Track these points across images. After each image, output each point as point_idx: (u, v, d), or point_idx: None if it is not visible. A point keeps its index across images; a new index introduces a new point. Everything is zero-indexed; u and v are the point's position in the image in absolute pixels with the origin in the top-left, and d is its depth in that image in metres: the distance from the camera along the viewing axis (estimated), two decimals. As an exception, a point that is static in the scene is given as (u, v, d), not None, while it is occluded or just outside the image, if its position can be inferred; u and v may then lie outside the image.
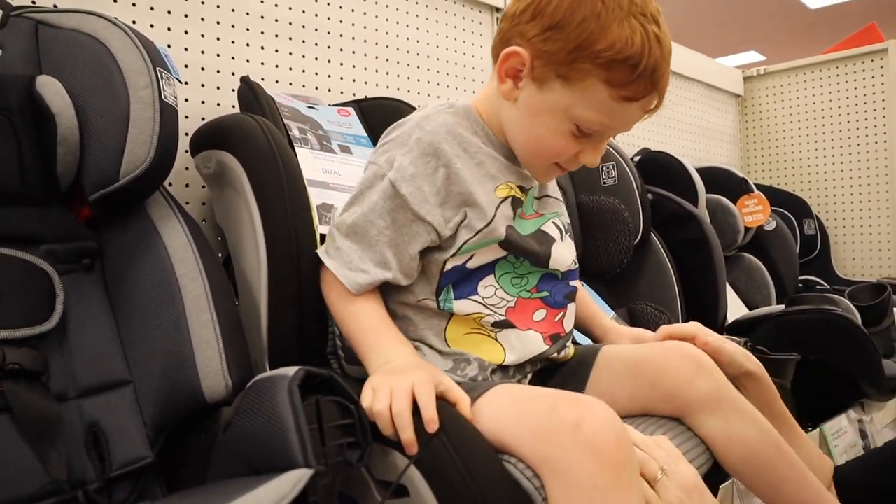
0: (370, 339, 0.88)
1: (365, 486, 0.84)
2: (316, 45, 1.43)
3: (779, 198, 2.57)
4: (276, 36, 1.36)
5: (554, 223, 0.99)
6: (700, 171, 2.21)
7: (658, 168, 1.96)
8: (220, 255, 1.13)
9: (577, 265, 1.02)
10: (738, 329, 1.73)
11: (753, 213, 2.11)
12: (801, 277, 2.40)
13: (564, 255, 0.98)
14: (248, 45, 1.32)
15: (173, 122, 0.96)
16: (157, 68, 0.96)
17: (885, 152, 2.65)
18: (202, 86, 1.26)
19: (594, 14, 0.80)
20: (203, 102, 1.26)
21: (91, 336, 0.93)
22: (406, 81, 1.64)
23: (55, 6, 1.10)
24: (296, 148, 1.18)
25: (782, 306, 1.72)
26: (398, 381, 0.77)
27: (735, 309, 1.94)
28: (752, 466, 0.94)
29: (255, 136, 0.96)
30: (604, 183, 1.71)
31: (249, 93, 1.13)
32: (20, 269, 0.91)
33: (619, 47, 0.79)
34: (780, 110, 2.89)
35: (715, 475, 0.97)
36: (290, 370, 0.76)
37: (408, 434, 0.73)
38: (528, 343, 0.94)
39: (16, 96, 0.92)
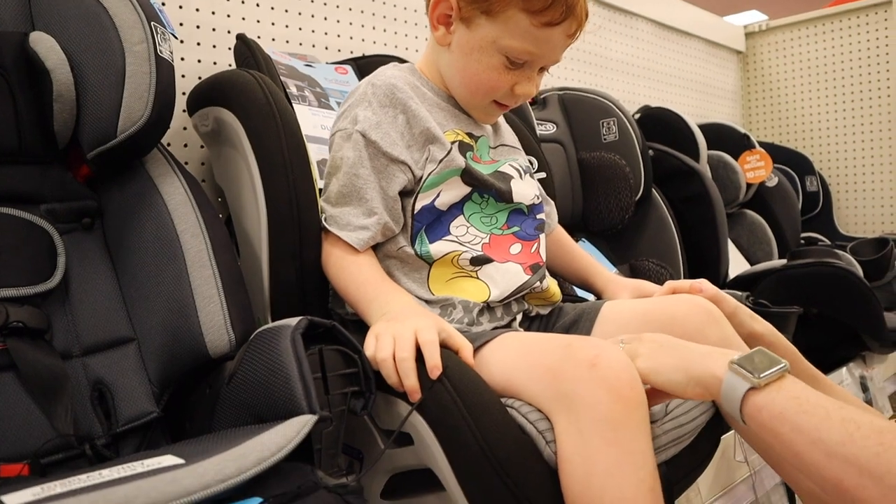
0: (370, 292, 0.89)
1: (370, 437, 0.85)
2: (312, 1, 1.41)
3: (781, 154, 2.55)
4: None
5: (511, 165, 1.04)
6: (702, 127, 2.20)
7: (659, 124, 1.95)
8: (220, 215, 1.13)
9: (541, 200, 1.06)
10: (740, 284, 1.73)
11: (755, 169, 2.10)
12: (803, 234, 2.40)
13: (526, 189, 1.02)
14: (243, 2, 1.31)
15: (170, 77, 0.95)
16: (152, 23, 0.94)
17: (889, 107, 2.62)
18: (198, 44, 1.24)
19: None
20: (199, 61, 1.25)
21: (93, 294, 0.93)
22: (404, 39, 1.62)
23: (46, -37, 1.07)
24: (294, 105, 1.17)
25: (784, 261, 1.72)
26: (401, 327, 0.77)
27: (737, 265, 1.94)
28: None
29: (251, 91, 0.95)
30: (604, 139, 1.70)
31: (246, 50, 1.12)
32: (21, 228, 0.91)
33: None
34: (783, 66, 2.86)
35: (718, 425, 0.97)
36: (293, 320, 0.76)
37: (411, 381, 0.73)
38: (509, 274, 0.95)
39: (9, 53, 0.91)
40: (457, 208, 0.96)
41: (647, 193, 1.69)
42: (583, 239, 1.68)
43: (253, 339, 0.79)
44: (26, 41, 0.91)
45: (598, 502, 0.67)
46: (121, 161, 0.96)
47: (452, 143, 0.96)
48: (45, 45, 0.91)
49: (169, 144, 1.17)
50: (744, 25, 2.92)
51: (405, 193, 0.95)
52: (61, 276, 0.91)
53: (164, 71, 0.94)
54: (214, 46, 1.24)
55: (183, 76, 1.20)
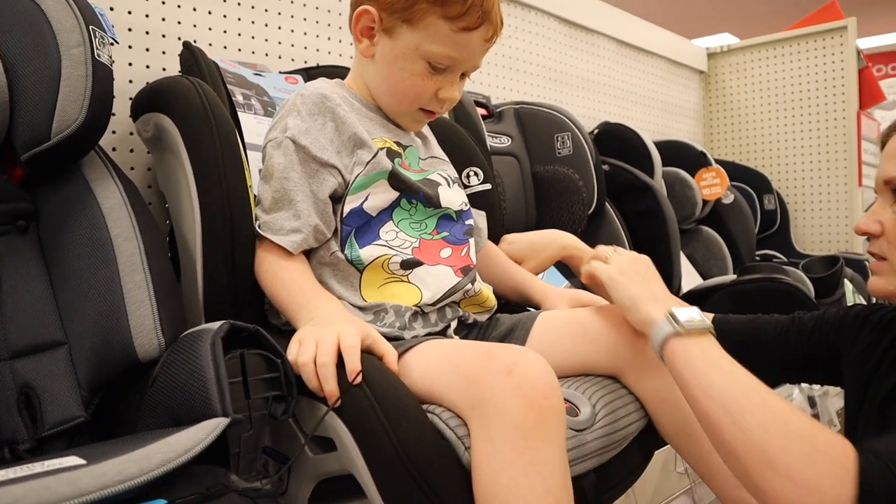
0: (300, 297, 0.90)
1: (295, 442, 0.84)
2: (266, 10, 1.42)
3: (740, 173, 2.60)
4: (225, 0, 1.35)
5: (439, 174, 1.07)
6: (659, 144, 2.23)
7: (616, 140, 1.98)
8: (167, 221, 1.13)
9: (468, 207, 1.08)
10: (691, 298, 1.75)
11: (711, 186, 2.13)
12: (759, 252, 2.44)
13: (453, 196, 1.05)
14: (194, 9, 1.31)
15: (107, 81, 0.95)
16: (91, 27, 0.94)
17: (844, 128, 2.68)
18: (147, 50, 1.24)
19: None
20: (148, 67, 1.25)
21: (25, 297, 0.92)
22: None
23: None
24: (239, 113, 1.17)
25: (734, 276, 1.74)
26: (324, 332, 0.78)
27: (691, 279, 1.97)
28: (683, 432, 0.95)
29: (188, 97, 0.95)
30: (559, 153, 1.72)
31: (190, 57, 1.13)
32: (-49, 230, 0.90)
33: None
34: (743, 87, 2.91)
35: (651, 436, 0.98)
36: (216, 324, 0.76)
37: (331, 385, 0.74)
38: (440, 277, 0.97)
39: (-53, 58, 0.90)
40: (386, 214, 0.98)
41: (601, 207, 1.71)
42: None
43: (176, 343, 0.79)
44: (-40, 44, 0.90)
45: None
46: (56, 164, 0.95)
47: (380, 148, 0.98)
48: (-22, 47, 0.90)
49: (114, 149, 1.17)
50: (706, 47, 2.98)
51: (336, 199, 0.96)
52: (-10, 279, 0.90)
53: (101, 75, 0.94)
54: (164, 53, 1.24)
55: (130, 81, 1.20)
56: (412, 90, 0.97)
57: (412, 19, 0.92)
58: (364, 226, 0.97)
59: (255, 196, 0.97)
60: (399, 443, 0.70)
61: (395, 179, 0.98)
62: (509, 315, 1.05)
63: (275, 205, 0.94)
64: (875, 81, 2.69)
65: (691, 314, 0.84)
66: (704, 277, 2.09)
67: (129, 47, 1.21)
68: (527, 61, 2.13)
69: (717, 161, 2.49)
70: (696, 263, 2.13)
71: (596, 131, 2.05)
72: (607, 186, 1.81)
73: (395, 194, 0.98)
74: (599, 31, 2.38)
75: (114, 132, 1.18)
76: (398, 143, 1.03)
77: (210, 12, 1.33)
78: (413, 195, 0.99)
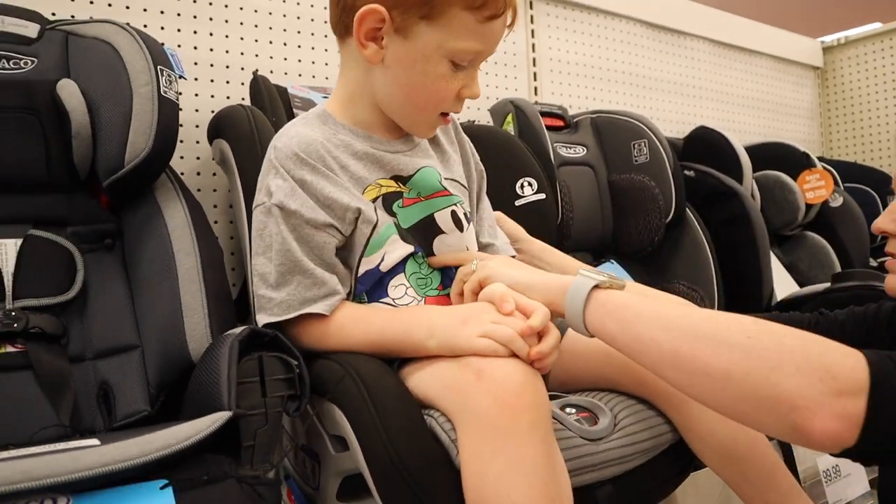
0: (396, 326, 0.86)
1: (322, 440, 0.91)
2: (326, 36, 1.52)
3: (859, 173, 2.42)
4: (285, 30, 1.46)
5: (453, 212, 0.98)
6: (757, 147, 2.14)
7: (704, 145, 1.92)
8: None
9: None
10: (783, 308, 1.67)
11: (815, 188, 2.01)
12: (880, 259, 2.26)
13: (454, 243, 0.97)
14: (271, 42, 1.43)
15: (172, 115, 1.07)
16: (159, 66, 1.07)
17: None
18: (211, 81, 1.38)
19: None
20: (213, 96, 1.37)
21: (107, 306, 1.06)
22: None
23: (91, 18, 1.23)
24: (301, 135, 1.27)
25: (828, 284, 1.64)
26: (483, 325, 0.78)
27: (787, 288, 1.87)
28: (724, 457, 0.92)
29: (240, 123, 1.06)
30: (636, 161, 1.70)
31: (256, 85, 1.24)
32: (47, 248, 1.05)
33: None
34: (864, 80, 2.71)
35: (683, 452, 0.95)
36: (238, 330, 0.85)
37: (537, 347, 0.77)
38: None
39: (42, 98, 1.06)
40: (399, 266, 0.94)
41: (680, 215, 1.68)
42: (611, 260, 1.68)
43: (209, 346, 0.88)
44: (54, 88, 1.05)
45: None
46: (132, 188, 1.09)
47: (374, 200, 0.92)
48: (67, 90, 1.05)
49: (182, 174, 1.30)
50: (821, 40, 2.80)
51: (344, 250, 0.92)
52: (78, 290, 1.04)
53: (167, 109, 1.06)
54: (228, 82, 1.37)
55: (197, 111, 1.32)
56: (436, 95, 0.88)
57: (432, 14, 0.83)
58: (377, 283, 0.93)
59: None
60: (390, 443, 0.74)
61: (403, 232, 0.93)
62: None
63: (283, 278, 0.88)
64: None
65: (604, 273, 0.79)
66: (809, 285, 1.97)
67: (196, 80, 1.34)
68: (611, 69, 2.12)
69: (834, 162, 2.35)
70: (800, 272, 2.02)
71: (685, 137, 2.00)
72: (692, 193, 1.77)
73: (410, 248, 0.93)
74: (691, 32, 2.32)
75: (182, 157, 1.32)
76: (397, 178, 0.95)
77: (285, 43, 1.45)
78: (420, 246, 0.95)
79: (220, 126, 1.11)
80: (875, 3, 6.32)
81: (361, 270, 0.92)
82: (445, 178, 1.00)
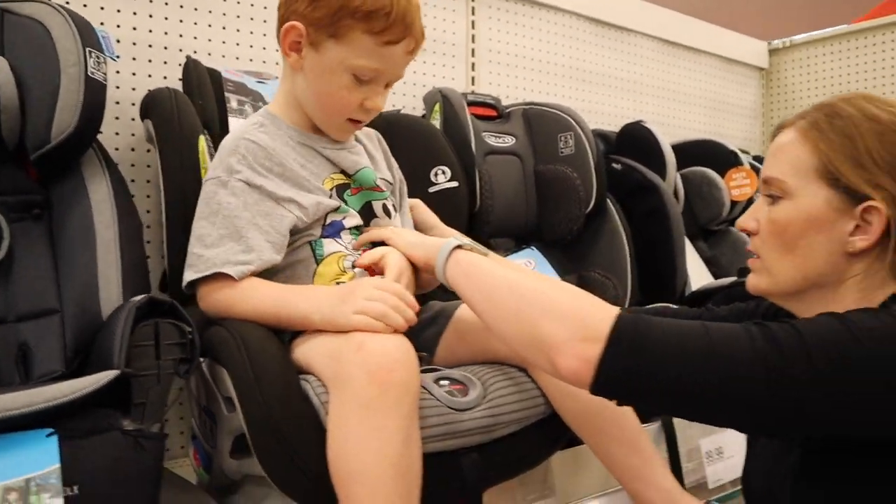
0: (289, 300, 0.96)
1: (217, 401, 1.00)
2: (265, 22, 1.59)
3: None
4: (224, 14, 1.53)
5: (384, 204, 1.14)
6: (690, 144, 2.23)
7: (633, 140, 2.00)
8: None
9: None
10: (694, 299, 1.77)
11: (741, 186, 2.11)
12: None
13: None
14: (210, 25, 1.50)
15: (98, 95, 1.14)
16: (88, 48, 1.13)
17: (911, 127, 2.53)
18: (149, 61, 1.44)
19: None
20: (150, 76, 1.44)
21: (31, 273, 1.13)
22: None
23: (31, -4, 1.28)
24: (230, 118, 1.34)
25: (735, 278, 1.75)
26: (357, 302, 0.89)
27: (704, 280, 1.97)
28: (585, 423, 1.03)
29: (163, 105, 1.13)
30: (561, 153, 1.78)
31: (187, 68, 1.31)
32: (-26, 216, 1.12)
33: (369, 2, 0.95)
34: (807, 83, 2.81)
35: (552, 431, 1.04)
36: (139, 298, 0.93)
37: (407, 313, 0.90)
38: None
39: (-28, 74, 1.12)
40: (353, 231, 1.09)
41: (600, 206, 1.76)
42: (531, 247, 1.77)
43: (112, 312, 0.96)
44: (-16, 64, 1.12)
45: (345, 471, 0.79)
46: (60, 162, 1.15)
47: (331, 189, 1.07)
48: (-3, 67, 1.11)
49: (117, 149, 1.37)
50: (768, 42, 2.89)
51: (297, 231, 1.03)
52: (3, 256, 1.11)
53: (93, 89, 1.13)
54: (165, 63, 1.44)
55: (134, 89, 1.39)
56: (339, 102, 1.02)
57: (338, 34, 0.97)
58: (336, 232, 1.07)
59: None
60: (263, 401, 0.83)
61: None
62: (439, 302, 1.15)
63: (220, 241, 0.99)
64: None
65: (472, 242, 0.96)
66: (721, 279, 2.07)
67: (133, 59, 1.41)
68: (552, 62, 2.19)
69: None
70: (721, 266, 2.12)
71: (618, 132, 2.09)
72: (618, 186, 1.86)
73: (360, 221, 1.09)
74: (636, 29, 2.39)
75: (117, 133, 1.39)
76: (344, 174, 1.10)
77: (224, 27, 1.52)
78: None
79: (147, 107, 1.18)
80: (822, 10, 6.44)
81: (329, 220, 1.06)
82: (379, 178, 1.16)
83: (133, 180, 1.37)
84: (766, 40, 2.91)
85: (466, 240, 0.97)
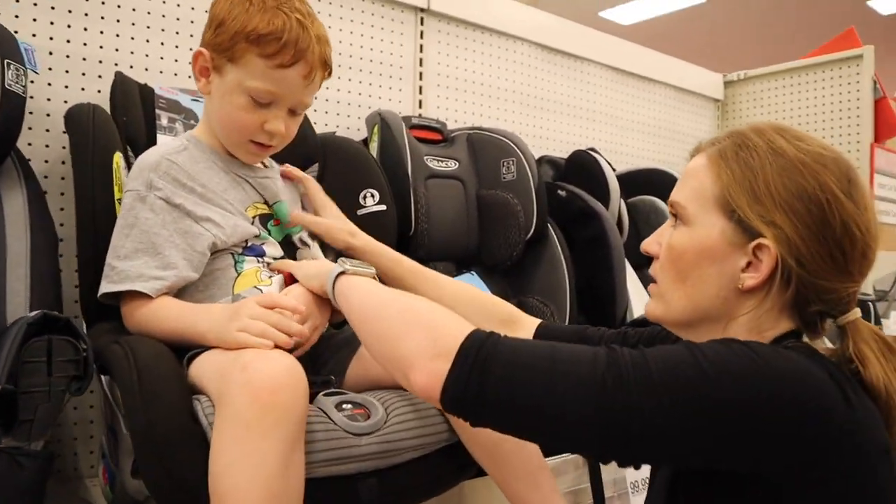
0: (187, 320, 0.98)
1: (118, 419, 0.99)
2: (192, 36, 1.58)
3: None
4: (163, 30, 1.53)
5: (300, 237, 1.21)
6: (637, 172, 2.26)
7: (579, 167, 2.02)
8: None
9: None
10: (636, 325, 1.78)
11: (686, 215, 2.13)
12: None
13: (307, 258, 1.19)
14: (148, 40, 1.50)
15: (16, 107, 1.14)
16: (6, 60, 1.14)
17: (857, 160, 2.59)
18: (83, 74, 1.44)
19: (244, 9, 1.03)
20: (83, 89, 1.44)
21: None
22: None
23: (-39, 6, 1.28)
24: (158, 134, 1.34)
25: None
26: (241, 317, 0.92)
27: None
28: (486, 453, 1.03)
29: (80, 120, 1.13)
30: (503, 178, 1.80)
31: (115, 83, 1.31)
32: None
33: (262, 27, 1.01)
34: (759, 115, 2.86)
35: (454, 460, 1.04)
36: (35, 313, 0.92)
37: (293, 328, 0.94)
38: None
39: None
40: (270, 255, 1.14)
41: (541, 233, 1.77)
42: (472, 272, 1.78)
43: (6, 327, 0.95)
44: None
45: (219, 491, 0.78)
46: (-25, 174, 1.15)
47: (254, 217, 1.12)
48: (-87, 77, 1.11)
49: (46, 161, 1.37)
50: (723, 74, 2.95)
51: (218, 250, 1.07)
52: (-87, 266, 1.10)
53: (11, 102, 1.13)
54: (100, 77, 1.43)
55: (66, 102, 1.38)
56: (238, 122, 1.06)
57: (234, 58, 1.03)
58: (255, 254, 1.12)
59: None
60: (147, 419, 0.82)
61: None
62: (346, 328, 1.15)
63: (135, 253, 1.01)
64: (892, 113, 2.58)
65: (358, 265, 1.00)
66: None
67: (66, 71, 1.40)
68: (501, 87, 2.21)
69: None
70: (666, 291, 2.13)
71: (566, 159, 2.11)
72: (562, 212, 1.87)
73: (280, 252, 1.14)
74: (589, 58, 2.43)
75: (47, 146, 1.38)
76: (266, 203, 1.15)
77: (163, 43, 1.52)
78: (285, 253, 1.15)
79: (67, 121, 1.18)
80: (776, 46, 6.60)
81: (249, 243, 1.11)
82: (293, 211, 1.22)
83: (63, 193, 1.36)
84: (721, 73, 2.97)
85: (349, 263, 0.99)
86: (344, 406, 0.99)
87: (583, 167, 2.02)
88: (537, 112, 2.32)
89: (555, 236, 1.80)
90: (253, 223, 1.11)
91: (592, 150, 2.14)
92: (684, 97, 2.80)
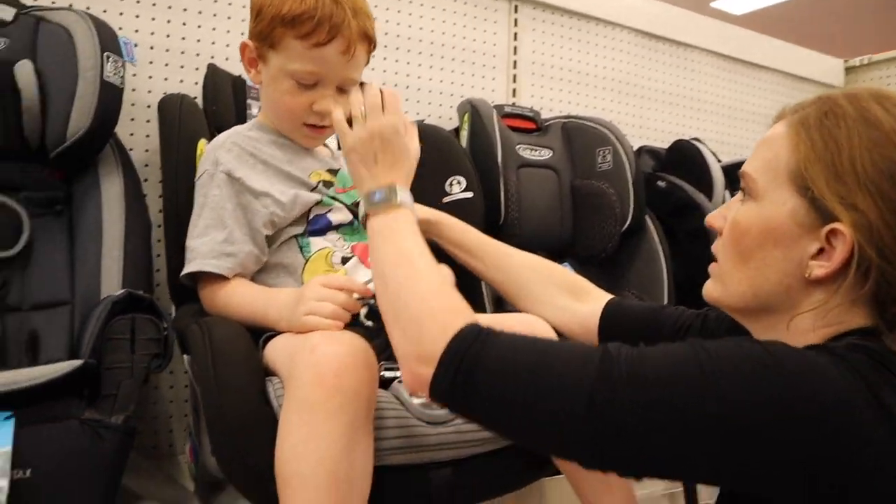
0: (260, 304, 0.98)
1: (199, 399, 1.00)
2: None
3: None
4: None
5: None
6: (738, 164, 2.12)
7: (681, 157, 1.93)
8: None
9: None
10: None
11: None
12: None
13: None
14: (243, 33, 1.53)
15: (113, 98, 1.19)
16: (106, 53, 1.18)
17: None
18: (181, 67, 1.49)
19: None
20: (166, 79, 1.48)
21: (47, 266, 1.18)
22: (395, 65, 1.78)
23: (70, 6, 1.34)
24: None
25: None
26: (308, 302, 0.90)
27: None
28: None
29: (168, 110, 1.17)
30: (599, 168, 1.73)
31: (207, 74, 1.34)
32: (-1, 209, 1.18)
33: (294, 8, 0.99)
34: (885, 103, 2.63)
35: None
36: (121, 292, 0.95)
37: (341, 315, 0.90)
38: (362, 270, 1.06)
39: (3, 76, 1.18)
40: (339, 228, 1.10)
41: (638, 224, 1.70)
42: (566, 263, 1.72)
43: (96, 306, 0.98)
44: (12, 67, 1.17)
45: (284, 473, 0.77)
46: (77, 161, 1.20)
47: (318, 182, 1.10)
48: (22, 70, 1.17)
49: (147, 151, 1.42)
50: (844, 59, 2.73)
51: (275, 227, 1.05)
52: (21, 248, 1.17)
53: (108, 93, 1.18)
54: (197, 69, 1.47)
55: (165, 93, 1.42)
56: (287, 106, 1.05)
57: (274, 43, 1.02)
58: (320, 230, 1.08)
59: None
60: (219, 398, 0.83)
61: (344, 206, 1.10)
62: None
63: (205, 230, 1.02)
64: None
65: (389, 194, 0.83)
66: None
67: (150, 62, 1.45)
68: (599, 75, 2.13)
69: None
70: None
71: (667, 149, 2.01)
72: (662, 204, 1.79)
73: (350, 216, 1.10)
74: (694, 44, 2.30)
75: (147, 136, 1.43)
76: (330, 171, 1.13)
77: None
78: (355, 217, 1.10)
79: (158, 110, 1.22)
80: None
81: (312, 214, 1.07)
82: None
83: (146, 180, 1.40)
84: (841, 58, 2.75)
85: (388, 181, 0.87)
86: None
87: (685, 157, 1.92)
88: (637, 101, 2.22)
89: (653, 228, 1.72)
90: (316, 188, 1.09)
91: (696, 139, 2.04)
92: (799, 85, 2.61)
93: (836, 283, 0.67)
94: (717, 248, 0.80)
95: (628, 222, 1.68)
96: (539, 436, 0.66)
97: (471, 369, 0.66)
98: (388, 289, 0.76)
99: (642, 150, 2.05)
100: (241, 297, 0.99)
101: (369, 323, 1.07)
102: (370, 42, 1.07)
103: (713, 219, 0.81)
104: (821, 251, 0.67)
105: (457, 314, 0.71)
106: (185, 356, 1.01)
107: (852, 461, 0.57)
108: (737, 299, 0.75)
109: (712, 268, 0.81)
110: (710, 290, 0.80)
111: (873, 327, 0.68)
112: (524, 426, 0.66)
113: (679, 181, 1.82)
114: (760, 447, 0.58)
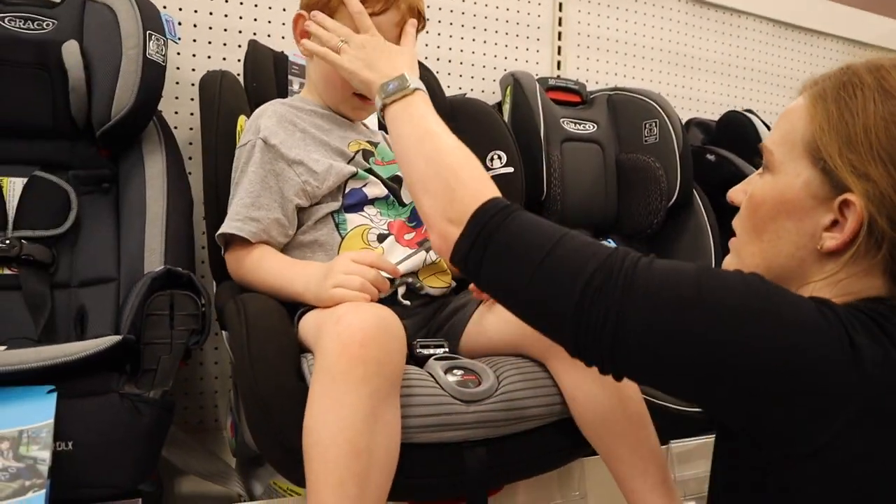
0: (286, 276, 0.99)
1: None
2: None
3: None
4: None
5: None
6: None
7: (732, 130, 1.87)
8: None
9: None
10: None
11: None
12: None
13: None
14: (284, 9, 1.54)
15: (156, 76, 1.20)
16: (148, 31, 1.20)
17: None
18: (224, 45, 1.50)
19: None
20: (209, 57, 1.50)
21: (95, 243, 1.21)
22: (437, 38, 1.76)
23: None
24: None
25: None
26: (336, 275, 0.91)
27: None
28: (600, 437, 0.96)
29: (209, 87, 1.17)
30: (645, 141, 1.69)
31: (248, 51, 1.34)
32: (48, 187, 1.21)
33: None
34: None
35: (569, 431, 0.97)
36: (160, 269, 0.96)
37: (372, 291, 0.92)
38: (401, 251, 1.07)
39: (53, 57, 1.20)
40: (375, 203, 1.10)
41: (685, 198, 1.65)
42: (609, 238, 1.69)
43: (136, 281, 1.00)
44: (60, 48, 1.20)
45: (306, 442, 0.77)
46: (122, 138, 1.22)
47: (356, 151, 1.10)
48: (69, 50, 1.19)
49: (191, 129, 1.43)
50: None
51: (309, 197, 1.05)
52: (70, 226, 1.20)
53: (151, 71, 1.19)
54: (240, 46, 1.48)
55: (208, 71, 1.44)
56: (338, 76, 1.03)
57: (331, 13, 1.03)
58: (356, 204, 1.08)
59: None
60: (252, 372, 0.83)
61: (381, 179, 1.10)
62: (463, 293, 1.12)
63: (236, 196, 1.04)
64: None
65: (401, 81, 0.88)
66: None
67: (194, 41, 1.46)
68: (647, 46, 2.06)
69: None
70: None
71: (718, 121, 1.95)
72: (711, 178, 1.73)
73: (385, 192, 1.10)
74: (746, 10, 2.21)
75: (191, 114, 1.45)
76: (370, 142, 1.14)
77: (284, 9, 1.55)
78: (389, 190, 1.11)
79: (200, 87, 1.23)
80: None
81: (349, 188, 1.08)
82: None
83: (190, 158, 1.41)
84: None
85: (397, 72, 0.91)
86: (454, 371, 0.96)
87: (736, 130, 1.86)
88: (687, 72, 2.15)
89: (700, 203, 1.68)
90: (354, 159, 1.09)
91: (749, 111, 1.97)
92: (860, 52, 2.49)
93: (849, 254, 0.67)
94: (736, 222, 0.80)
95: (675, 197, 1.64)
96: (532, 312, 0.72)
97: (489, 237, 0.71)
98: (414, 164, 0.81)
99: (691, 123, 2.00)
100: (269, 266, 1.00)
101: (406, 302, 1.08)
102: (421, 19, 1.08)
103: (734, 193, 0.81)
104: (834, 223, 0.68)
105: (487, 184, 0.77)
106: (223, 332, 1.03)
107: (821, 407, 0.61)
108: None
109: (732, 242, 0.81)
110: (728, 263, 0.80)
111: (886, 297, 0.68)
112: (522, 300, 0.72)
113: (729, 154, 1.76)
114: (732, 383, 0.62)
